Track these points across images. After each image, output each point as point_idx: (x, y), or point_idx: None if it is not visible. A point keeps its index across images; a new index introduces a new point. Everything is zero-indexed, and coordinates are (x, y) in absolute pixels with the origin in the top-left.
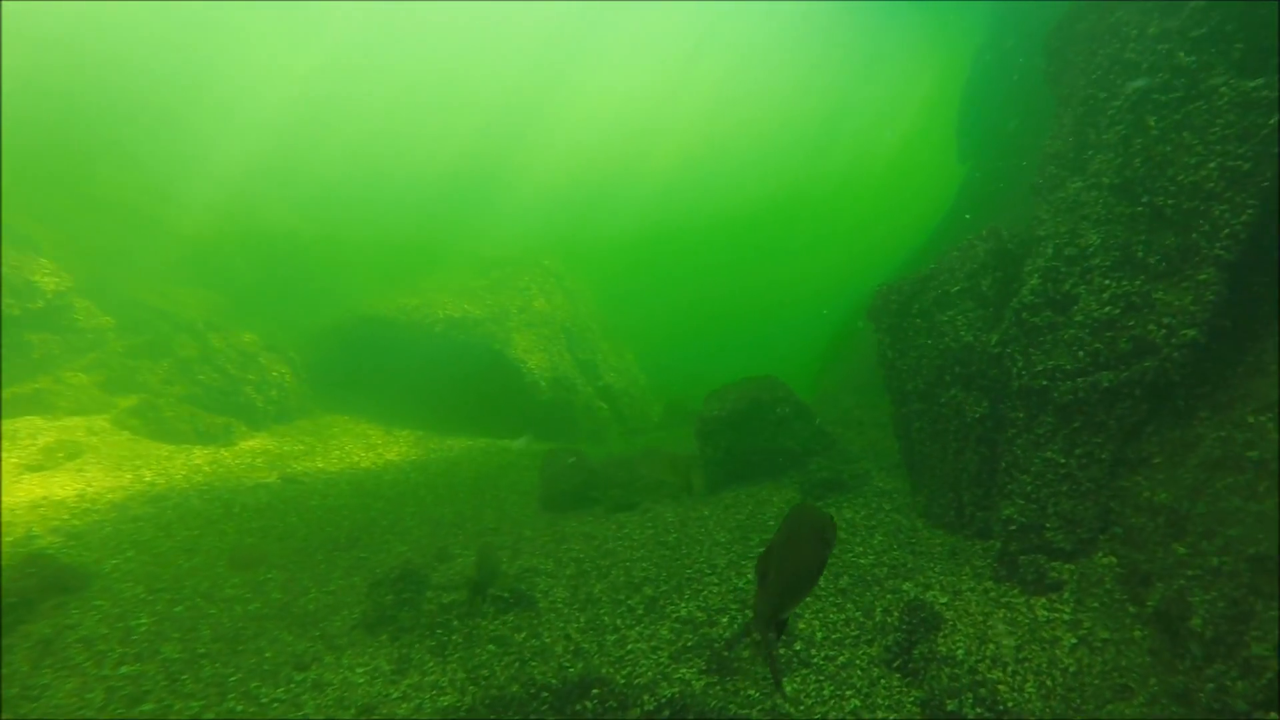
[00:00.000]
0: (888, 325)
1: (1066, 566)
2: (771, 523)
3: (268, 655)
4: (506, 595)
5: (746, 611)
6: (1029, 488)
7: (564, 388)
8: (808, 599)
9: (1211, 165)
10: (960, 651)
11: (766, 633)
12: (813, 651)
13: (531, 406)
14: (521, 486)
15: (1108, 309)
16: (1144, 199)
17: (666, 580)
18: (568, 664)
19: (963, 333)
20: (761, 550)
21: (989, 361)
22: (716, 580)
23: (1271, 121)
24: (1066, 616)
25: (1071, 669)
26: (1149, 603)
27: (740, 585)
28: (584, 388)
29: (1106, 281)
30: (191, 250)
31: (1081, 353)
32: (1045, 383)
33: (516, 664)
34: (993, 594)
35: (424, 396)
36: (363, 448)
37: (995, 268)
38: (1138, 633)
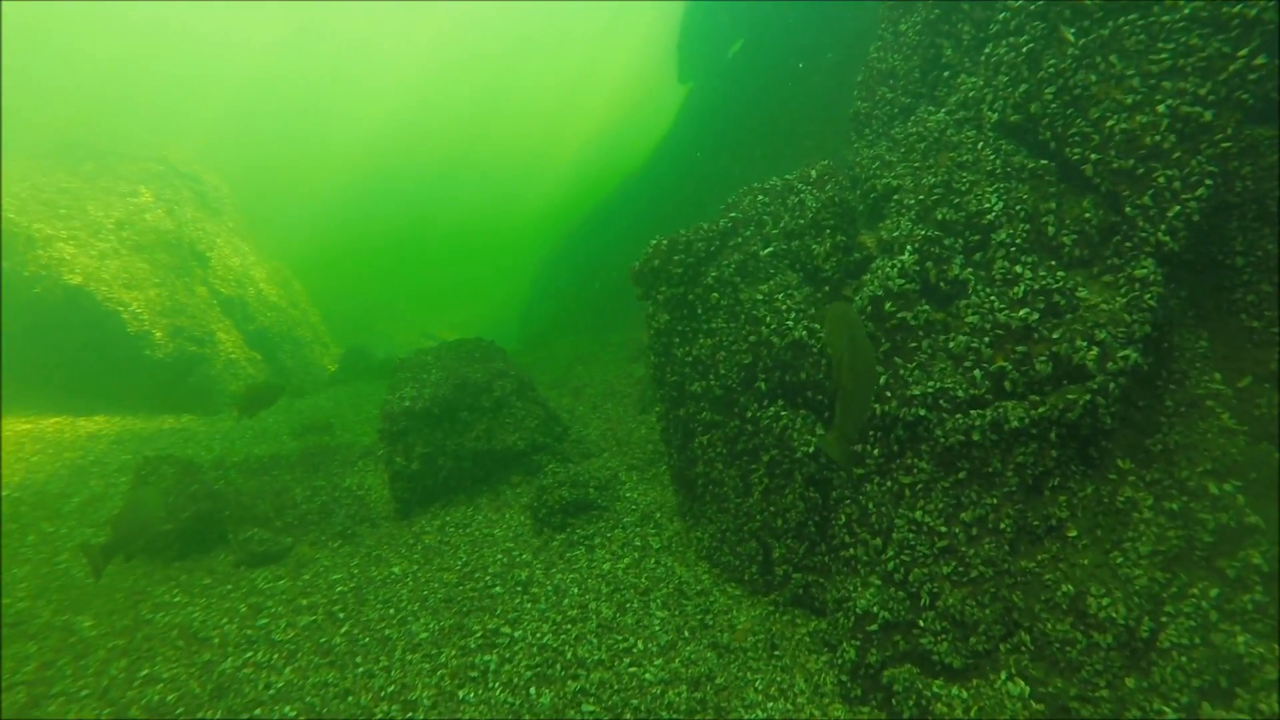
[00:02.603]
0: (666, 298)
1: (956, 693)
2: (497, 588)
3: None
4: None
5: None
6: (891, 564)
7: (192, 338)
8: None
9: (1160, 108)
10: None
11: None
12: None
13: (138, 367)
14: (101, 512)
15: (1023, 312)
16: (1052, 147)
17: None
18: None
19: (789, 321)
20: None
21: (831, 370)
22: None
23: (1244, 55)
24: None
25: None
26: None
27: None
28: (226, 336)
29: (1018, 269)
30: None
31: (978, 372)
32: (923, 413)
33: None
34: None
35: None
36: None
37: (836, 227)
38: None
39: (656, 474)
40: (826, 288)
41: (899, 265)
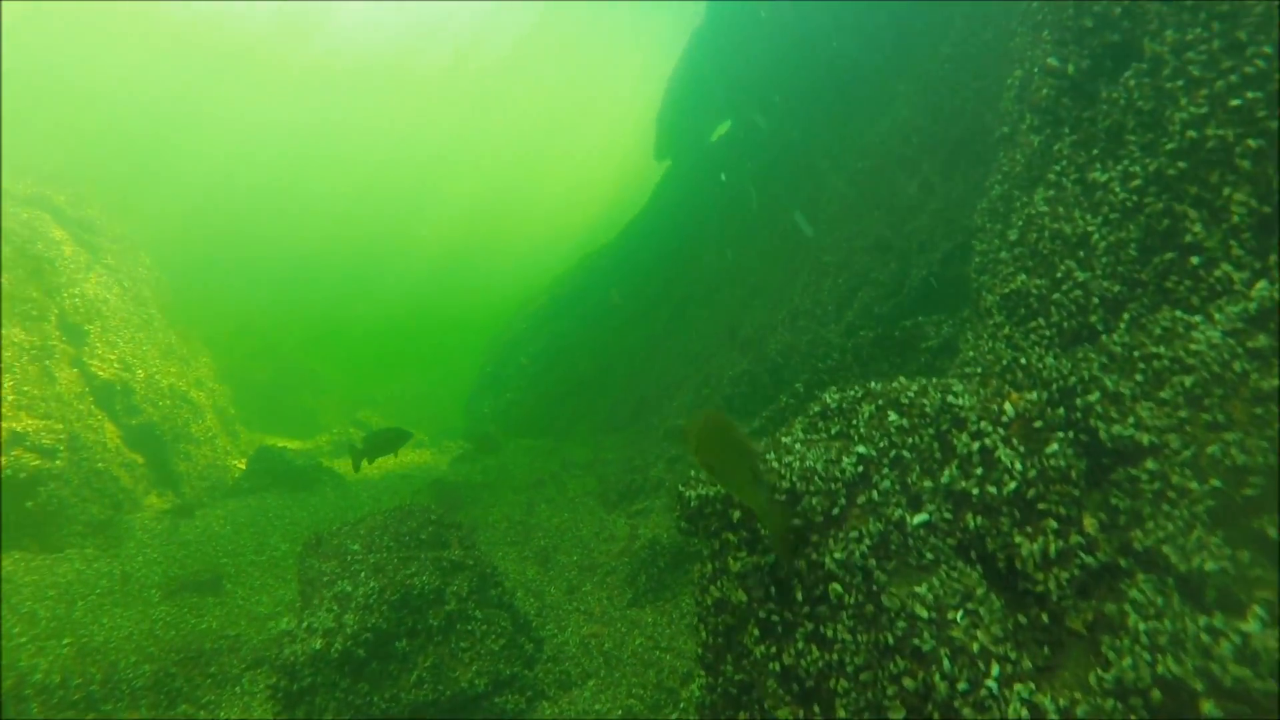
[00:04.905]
0: (746, 569)
1: None
2: None
3: None
4: None
5: None
6: None
7: (38, 447)
8: None
9: None
10: None
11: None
12: None
13: None
14: None
15: None
16: None
17: None
18: None
19: (991, 680)
20: None
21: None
22: None
23: None
24: None
25: None
26: None
27: None
28: (94, 437)
29: None
30: None
31: None
32: None
33: None
34: None
35: None
36: None
37: (1066, 520)
38: None
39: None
40: (1042, 614)
41: (1241, 642)
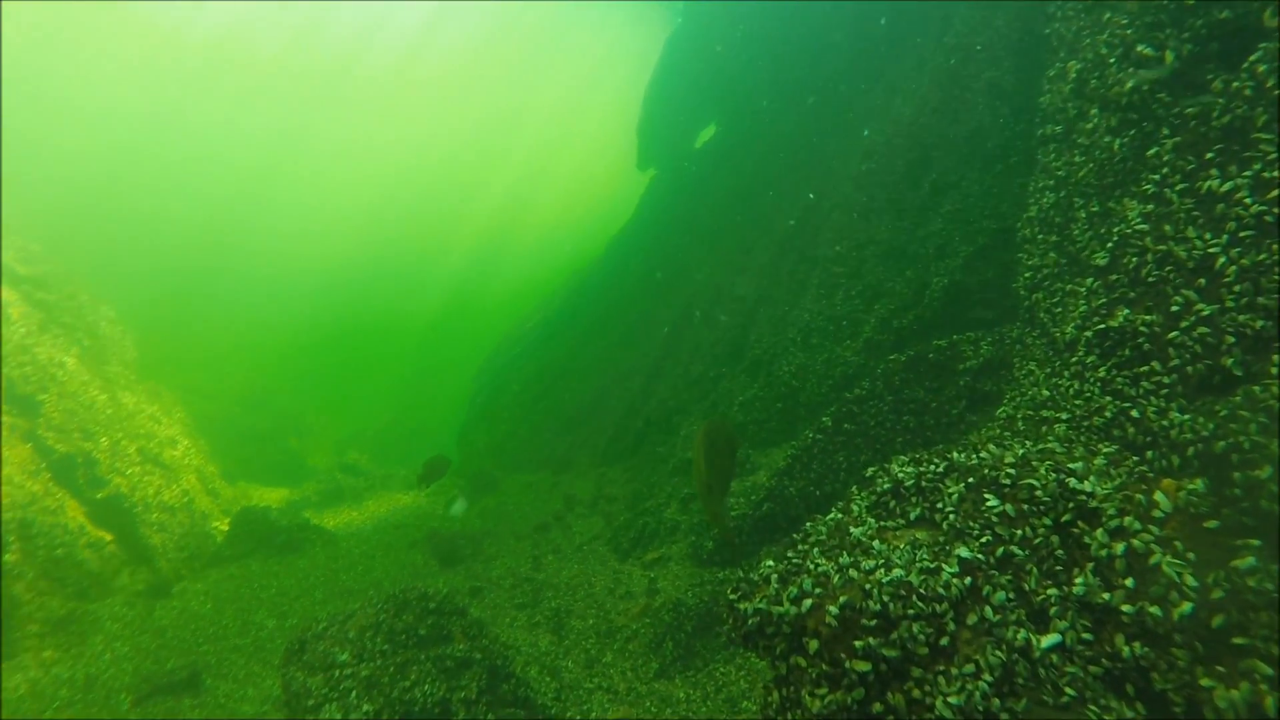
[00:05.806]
0: (831, 706)
1: None
2: None
3: None
4: None
5: None
6: None
7: None
8: None
9: None
10: None
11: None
12: None
13: None
14: None
15: None
16: None
17: None
18: None
19: None
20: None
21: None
22: None
23: None
24: None
25: None
26: None
27: None
28: (49, 520)
29: None
30: None
31: None
32: None
33: None
34: None
35: None
36: None
37: None
38: None
39: None
40: None
41: None
